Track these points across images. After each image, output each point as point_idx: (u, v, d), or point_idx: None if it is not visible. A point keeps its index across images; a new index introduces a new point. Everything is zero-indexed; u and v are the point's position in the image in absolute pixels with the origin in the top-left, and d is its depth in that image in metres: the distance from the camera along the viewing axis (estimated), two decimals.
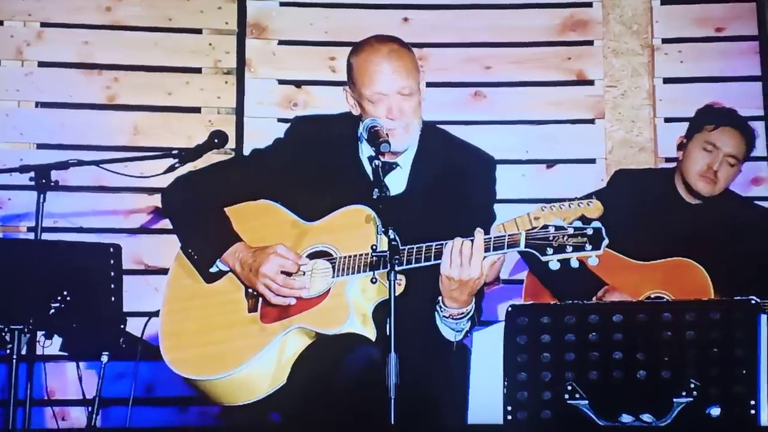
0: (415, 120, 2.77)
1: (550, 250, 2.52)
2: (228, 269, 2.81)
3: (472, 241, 2.55)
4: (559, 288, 3.38)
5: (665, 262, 3.40)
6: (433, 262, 2.61)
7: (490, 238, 2.57)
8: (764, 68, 4.25)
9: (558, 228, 2.53)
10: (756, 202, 3.79)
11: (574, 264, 2.52)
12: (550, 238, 2.52)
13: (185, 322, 2.80)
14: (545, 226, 2.55)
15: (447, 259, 2.56)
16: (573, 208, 2.65)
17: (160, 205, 3.12)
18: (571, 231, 2.52)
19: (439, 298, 2.64)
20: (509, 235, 2.56)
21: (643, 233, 3.44)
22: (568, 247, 2.51)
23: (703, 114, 3.54)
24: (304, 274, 2.73)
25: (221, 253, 2.79)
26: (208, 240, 2.81)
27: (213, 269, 2.82)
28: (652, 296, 3.38)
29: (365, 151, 2.82)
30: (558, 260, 2.52)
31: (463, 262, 2.54)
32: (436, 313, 2.67)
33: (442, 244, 2.59)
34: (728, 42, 4.30)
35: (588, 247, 2.50)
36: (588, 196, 2.73)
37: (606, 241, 2.51)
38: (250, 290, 2.78)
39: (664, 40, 4.33)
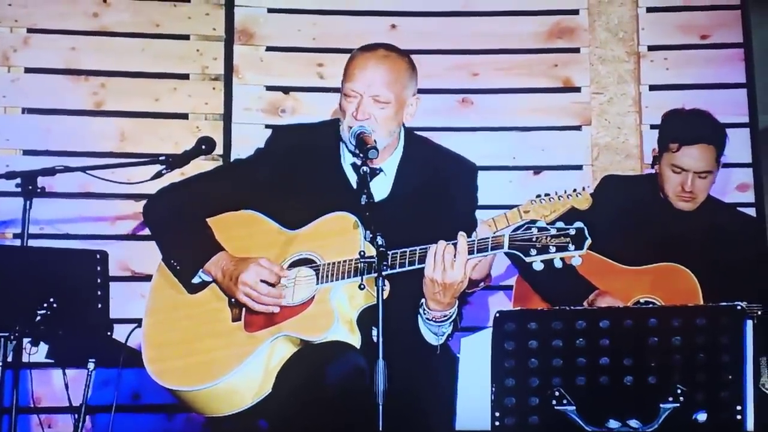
0: (383, 130, 2.75)
1: (533, 251, 2.54)
2: (211, 279, 2.81)
3: (455, 244, 2.56)
4: (550, 292, 3.39)
5: (655, 267, 3.41)
6: (417, 266, 2.62)
7: (474, 240, 2.59)
8: (749, 75, 4.28)
9: (541, 229, 2.55)
10: (740, 208, 3.81)
11: (558, 264, 2.54)
12: (534, 239, 2.54)
13: (168, 332, 2.79)
14: (528, 228, 2.56)
15: (431, 262, 2.57)
16: (562, 201, 2.67)
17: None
18: (554, 231, 2.54)
19: (422, 300, 2.65)
20: (493, 237, 2.59)
21: (631, 238, 3.45)
22: (551, 247, 2.53)
23: (667, 126, 3.48)
24: (286, 287, 2.73)
25: (204, 263, 2.78)
26: (191, 250, 2.80)
27: (195, 280, 2.81)
28: (642, 301, 3.39)
29: (347, 158, 2.83)
30: (542, 261, 2.53)
31: (446, 265, 2.56)
32: (419, 315, 2.68)
33: (426, 248, 2.61)
34: (713, 49, 4.33)
35: (571, 247, 2.52)
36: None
37: (589, 241, 2.53)
38: (233, 300, 2.77)
39: (650, 48, 4.36)
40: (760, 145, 4.22)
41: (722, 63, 4.30)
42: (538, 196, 2.67)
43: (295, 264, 2.78)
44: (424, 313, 2.66)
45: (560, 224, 2.57)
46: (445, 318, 2.65)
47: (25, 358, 3.27)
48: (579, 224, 2.55)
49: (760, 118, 4.24)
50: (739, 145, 4.22)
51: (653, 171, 3.53)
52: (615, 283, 3.40)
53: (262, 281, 2.71)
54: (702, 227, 3.46)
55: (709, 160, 3.41)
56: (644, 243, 3.45)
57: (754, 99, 4.25)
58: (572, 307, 2.44)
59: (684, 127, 3.43)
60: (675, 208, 3.50)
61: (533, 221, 2.59)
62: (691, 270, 3.35)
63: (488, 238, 2.59)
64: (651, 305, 3.30)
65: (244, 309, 2.76)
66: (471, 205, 2.87)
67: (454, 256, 2.55)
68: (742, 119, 4.24)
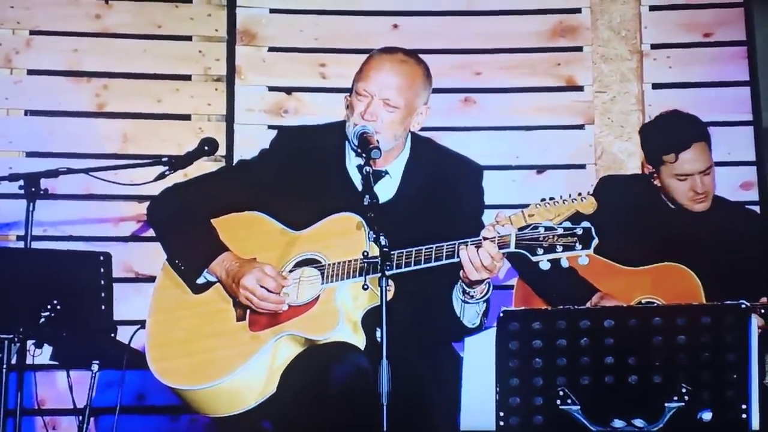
0: (388, 134, 2.75)
1: (540, 251, 2.54)
2: (215, 279, 2.81)
3: (475, 244, 2.57)
4: (551, 295, 3.38)
5: (655, 267, 3.40)
6: (423, 266, 2.62)
7: (480, 239, 2.59)
8: (752, 73, 4.27)
9: (548, 228, 2.55)
10: (747, 206, 3.80)
11: (565, 264, 2.54)
12: (540, 239, 2.54)
13: (172, 332, 2.79)
14: (535, 227, 2.56)
15: (470, 268, 2.58)
16: (567, 204, 2.66)
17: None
18: (560, 231, 2.54)
19: (459, 286, 2.65)
20: (500, 237, 2.58)
21: (631, 238, 3.44)
22: (558, 246, 2.53)
23: (652, 141, 3.45)
24: (289, 289, 2.73)
25: (209, 263, 2.78)
26: (196, 250, 2.80)
27: (200, 280, 2.81)
28: (643, 301, 3.38)
29: (352, 160, 2.83)
30: (548, 260, 2.53)
31: (485, 269, 2.59)
32: (456, 301, 2.68)
33: (431, 248, 2.62)
34: (716, 47, 4.32)
35: (578, 246, 2.52)
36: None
37: (596, 241, 2.53)
38: (237, 299, 2.77)
39: (653, 46, 4.35)
40: (764, 142, 4.22)
41: (725, 61, 4.30)
42: (543, 199, 2.66)
43: (299, 264, 2.78)
44: (467, 295, 2.66)
45: (567, 224, 2.56)
46: (485, 293, 2.67)
47: (29, 360, 3.27)
48: (586, 224, 2.54)
49: (764, 116, 4.24)
50: (743, 143, 4.22)
51: (655, 183, 3.50)
52: (616, 284, 3.40)
53: (261, 286, 2.70)
54: (704, 225, 3.45)
55: (706, 156, 3.41)
56: (645, 243, 3.44)
57: (758, 97, 4.25)
58: (576, 307, 2.43)
59: (672, 136, 3.40)
60: (672, 207, 3.49)
61: (537, 225, 2.58)
62: (693, 269, 3.34)
63: (495, 237, 2.58)
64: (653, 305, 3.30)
65: (248, 309, 2.76)
66: (477, 206, 2.87)
67: (490, 259, 2.56)
68: (745, 117, 4.24)
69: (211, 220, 2.87)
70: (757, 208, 4.07)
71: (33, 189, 3.35)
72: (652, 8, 4.37)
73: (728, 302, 2.36)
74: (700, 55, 4.33)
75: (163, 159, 3.39)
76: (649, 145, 3.49)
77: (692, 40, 4.34)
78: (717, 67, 4.30)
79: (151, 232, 4.13)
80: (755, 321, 2.36)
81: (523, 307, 3.36)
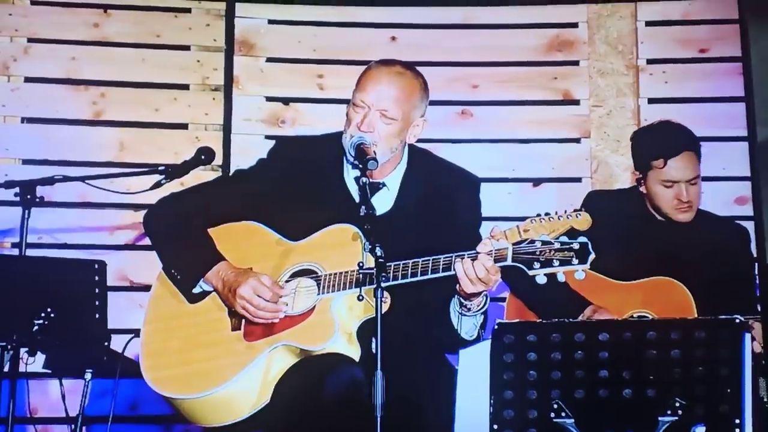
0: (385, 146, 2.75)
1: (537, 265, 2.54)
2: (211, 289, 2.80)
3: (471, 257, 2.57)
4: (543, 308, 3.38)
5: (647, 281, 3.40)
6: (419, 278, 2.62)
7: (476, 253, 2.59)
8: (747, 88, 4.29)
9: (544, 243, 2.56)
10: (738, 221, 3.81)
11: (561, 278, 2.54)
12: (537, 253, 2.55)
13: (167, 341, 2.78)
14: (532, 241, 2.57)
15: (467, 282, 2.59)
16: (562, 220, 2.67)
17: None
18: (557, 245, 2.54)
19: (456, 299, 2.66)
20: (496, 250, 2.59)
21: (619, 253, 3.43)
22: (554, 261, 2.53)
23: (643, 146, 3.49)
24: (286, 296, 2.73)
25: (205, 273, 2.78)
26: (192, 260, 2.80)
27: (196, 289, 2.81)
28: (635, 315, 3.38)
29: (350, 172, 2.83)
30: (545, 274, 2.53)
31: (480, 282, 2.59)
32: (454, 313, 2.69)
33: (428, 260, 2.62)
34: (712, 63, 4.35)
35: (574, 261, 2.53)
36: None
37: (592, 256, 2.53)
38: (233, 309, 2.77)
39: (649, 61, 4.38)
40: (758, 158, 4.24)
41: (721, 76, 4.32)
42: (538, 215, 2.67)
43: (295, 275, 2.78)
44: (464, 308, 2.66)
45: (564, 238, 2.57)
46: (482, 305, 2.67)
47: (22, 368, 3.26)
48: (583, 239, 2.55)
49: (759, 131, 4.26)
50: (737, 159, 4.24)
51: (641, 190, 3.52)
52: (607, 299, 3.40)
53: (258, 296, 2.70)
54: (692, 239, 3.46)
55: (694, 166, 3.44)
56: (634, 257, 3.45)
57: (753, 112, 4.27)
58: (571, 320, 2.43)
59: (662, 142, 3.44)
60: (660, 220, 3.50)
61: (534, 239, 2.59)
62: (683, 282, 3.34)
63: (492, 251, 2.59)
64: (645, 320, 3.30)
65: (243, 318, 2.76)
66: (474, 218, 2.87)
67: (485, 271, 2.56)
68: (740, 132, 4.26)
69: (208, 230, 2.87)
70: (751, 224, 4.09)
71: (29, 196, 3.35)
72: (649, 24, 4.39)
73: (722, 317, 2.37)
74: (696, 71, 4.35)
75: (160, 168, 3.40)
76: (639, 150, 3.51)
77: (688, 55, 4.36)
78: (712, 83, 4.32)
79: (146, 241, 4.14)
80: (749, 336, 2.37)
81: (518, 320, 3.36)
